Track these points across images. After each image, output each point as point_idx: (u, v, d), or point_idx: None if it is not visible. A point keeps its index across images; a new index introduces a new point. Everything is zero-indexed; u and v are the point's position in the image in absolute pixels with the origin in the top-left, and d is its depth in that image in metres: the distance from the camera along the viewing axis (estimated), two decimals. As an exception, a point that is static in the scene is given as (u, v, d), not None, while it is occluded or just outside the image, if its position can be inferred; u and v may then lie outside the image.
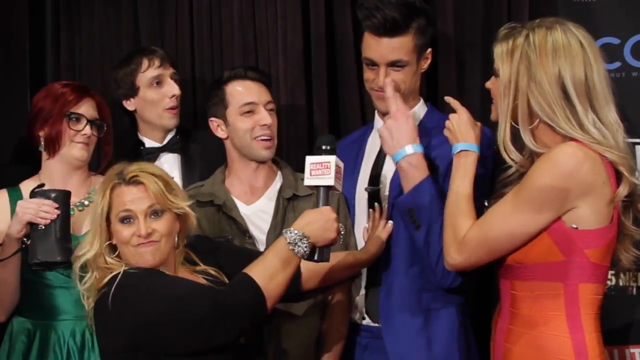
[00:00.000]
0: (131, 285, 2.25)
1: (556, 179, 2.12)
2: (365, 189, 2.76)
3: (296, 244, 2.23)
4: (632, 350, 2.85)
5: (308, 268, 2.48)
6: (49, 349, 2.73)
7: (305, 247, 2.23)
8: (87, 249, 2.35)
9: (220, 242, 2.63)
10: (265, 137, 2.72)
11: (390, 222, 2.66)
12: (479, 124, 2.49)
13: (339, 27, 3.34)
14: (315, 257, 2.28)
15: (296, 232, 2.24)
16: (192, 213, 2.41)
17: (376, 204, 2.70)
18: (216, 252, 2.52)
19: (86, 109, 2.77)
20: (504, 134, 2.25)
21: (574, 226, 2.15)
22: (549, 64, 2.18)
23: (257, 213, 2.77)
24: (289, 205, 2.76)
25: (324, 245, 2.27)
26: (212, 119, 2.80)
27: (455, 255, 2.30)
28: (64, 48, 3.81)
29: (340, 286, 2.75)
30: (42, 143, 2.78)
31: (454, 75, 3.18)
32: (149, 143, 3.16)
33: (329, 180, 2.28)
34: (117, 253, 2.34)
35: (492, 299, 2.64)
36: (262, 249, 2.65)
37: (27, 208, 2.57)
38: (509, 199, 2.22)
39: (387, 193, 2.72)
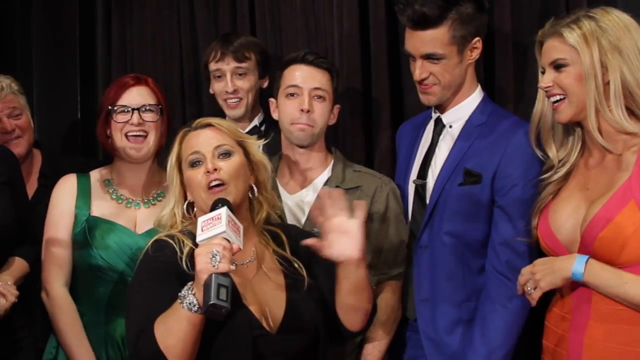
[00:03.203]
0: (137, 270, 2.29)
1: None
2: (414, 182, 2.75)
3: (183, 297, 2.07)
4: None
5: (339, 310, 2.35)
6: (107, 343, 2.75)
7: (191, 299, 2.05)
8: (165, 208, 2.38)
9: (307, 232, 2.57)
10: (302, 122, 2.71)
11: (363, 202, 2.37)
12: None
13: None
14: (204, 310, 2.03)
15: (188, 285, 2.09)
16: (266, 160, 2.41)
17: None
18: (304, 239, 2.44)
19: (131, 97, 2.76)
20: (594, 121, 2.27)
21: None
22: (630, 38, 2.24)
23: (298, 204, 2.77)
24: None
25: (206, 284, 2.03)
26: (271, 99, 2.84)
27: None
28: (114, 36, 3.87)
29: (390, 283, 2.73)
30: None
31: (511, 66, 3.12)
32: None
33: (221, 228, 2.08)
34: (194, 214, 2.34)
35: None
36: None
37: None
38: None
39: (432, 187, 2.70)
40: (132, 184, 2.82)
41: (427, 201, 2.69)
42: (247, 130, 3.16)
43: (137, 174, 2.81)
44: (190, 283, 2.08)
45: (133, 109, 2.73)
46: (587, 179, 2.35)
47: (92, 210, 2.78)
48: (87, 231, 2.74)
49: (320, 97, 2.73)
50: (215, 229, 2.08)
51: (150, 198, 2.81)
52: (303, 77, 2.73)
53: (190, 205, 2.36)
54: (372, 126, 3.28)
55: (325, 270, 2.38)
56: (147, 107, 2.76)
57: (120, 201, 2.80)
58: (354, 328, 2.37)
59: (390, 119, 3.25)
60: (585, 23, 2.27)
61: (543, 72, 2.38)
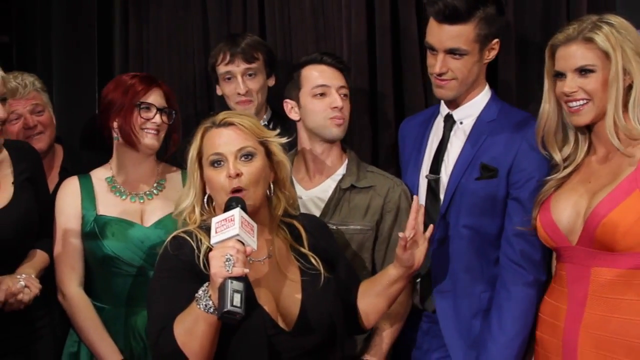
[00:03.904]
0: (156, 268, 2.31)
1: None
2: (426, 177, 2.77)
3: (199, 299, 2.09)
4: None
5: (362, 308, 2.46)
6: (124, 335, 2.79)
7: (207, 300, 2.07)
8: (184, 201, 2.36)
9: (324, 223, 2.62)
10: (338, 117, 2.75)
11: (431, 226, 2.48)
12: None
13: (403, 17, 3.32)
14: (219, 316, 2.04)
15: (204, 286, 2.11)
16: (287, 159, 2.40)
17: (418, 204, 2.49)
18: (326, 239, 2.49)
19: (155, 98, 2.82)
20: (616, 120, 2.31)
21: None
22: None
23: (313, 199, 2.80)
24: (344, 196, 2.77)
25: (221, 288, 2.04)
26: (287, 100, 2.85)
27: None
28: (132, 37, 3.88)
29: None
30: (117, 134, 2.83)
31: (514, 65, 3.17)
32: None
33: (234, 230, 2.08)
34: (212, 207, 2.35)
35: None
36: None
37: None
38: None
39: (446, 182, 2.73)
40: (134, 179, 2.86)
41: (442, 195, 2.72)
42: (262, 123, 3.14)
43: (139, 168, 2.85)
44: (206, 284, 2.09)
45: (158, 109, 2.81)
46: (589, 174, 2.40)
47: (98, 210, 2.81)
48: (96, 230, 2.78)
49: (345, 95, 2.80)
50: (229, 232, 2.07)
51: (153, 189, 2.86)
52: (328, 76, 2.78)
53: (210, 199, 2.35)
54: (377, 123, 3.33)
55: (344, 267, 2.47)
56: (166, 110, 2.83)
57: (124, 197, 2.84)
58: (367, 327, 2.50)
59: (394, 116, 3.29)
60: (606, 29, 2.30)
61: (557, 76, 2.39)
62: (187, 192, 2.37)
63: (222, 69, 3.20)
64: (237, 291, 2.01)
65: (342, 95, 2.78)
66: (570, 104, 2.37)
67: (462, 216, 2.67)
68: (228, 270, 2.01)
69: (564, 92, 2.37)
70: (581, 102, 2.34)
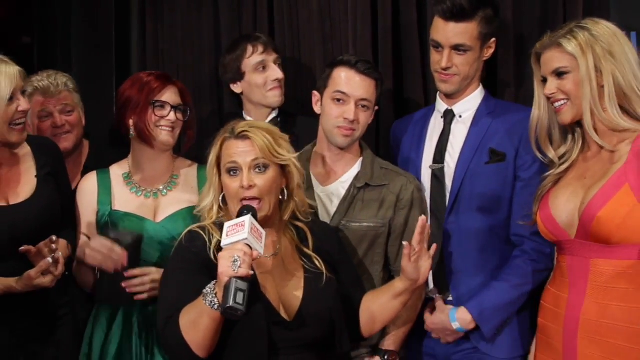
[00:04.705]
0: (171, 259, 2.41)
1: None
2: (430, 167, 2.88)
3: (206, 295, 2.18)
4: None
5: (363, 316, 2.51)
6: (130, 330, 2.83)
7: (213, 297, 2.17)
8: (205, 200, 2.47)
9: (335, 230, 2.69)
10: (346, 128, 2.76)
11: (435, 245, 2.52)
12: None
13: (404, 18, 3.39)
14: (222, 311, 2.15)
15: (211, 284, 2.20)
16: (298, 166, 2.48)
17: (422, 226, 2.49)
18: (331, 240, 2.57)
19: (170, 95, 2.87)
20: (596, 115, 2.41)
21: None
22: (619, 44, 2.39)
23: (328, 195, 2.85)
24: (358, 194, 2.81)
25: (226, 286, 2.14)
26: (315, 92, 2.89)
27: None
28: (148, 37, 3.93)
29: None
30: (132, 130, 2.87)
31: (512, 64, 3.24)
32: None
33: (243, 235, 2.19)
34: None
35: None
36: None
37: (95, 254, 2.70)
38: None
39: (451, 171, 2.85)
40: (149, 175, 2.90)
41: (450, 182, 2.84)
42: (270, 119, 3.24)
43: (154, 164, 2.90)
44: (213, 282, 2.19)
45: (172, 107, 2.86)
46: (584, 170, 2.49)
47: (114, 205, 2.87)
48: (109, 225, 2.84)
49: (364, 106, 2.79)
50: (239, 235, 2.18)
51: (167, 184, 2.89)
52: (352, 86, 2.77)
53: (225, 199, 2.46)
54: (379, 122, 3.37)
55: (349, 274, 2.56)
56: (181, 107, 2.89)
57: (139, 194, 2.89)
58: (366, 335, 2.56)
59: (395, 115, 3.36)
60: (580, 33, 2.41)
61: (543, 81, 2.52)
62: (207, 192, 2.49)
63: (255, 59, 3.24)
64: (241, 290, 2.12)
65: (360, 107, 2.78)
66: (555, 105, 2.48)
67: (475, 199, 2.80)
68: (234, 270, 2.12)
69: (545, 94, 2.50)
70: (562, 101, 2.46)
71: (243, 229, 2.19)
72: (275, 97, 3.24)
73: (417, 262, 2.42)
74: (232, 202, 2.41)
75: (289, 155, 2.44)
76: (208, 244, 2.36)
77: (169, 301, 2.30)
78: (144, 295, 2.74)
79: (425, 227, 2.43)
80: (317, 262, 2.45)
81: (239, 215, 2.27)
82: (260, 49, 3.24)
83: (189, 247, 2.37)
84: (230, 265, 2.13)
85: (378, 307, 2.51)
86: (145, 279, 2.74)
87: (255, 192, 2.37)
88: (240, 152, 2.40)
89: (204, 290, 2.19)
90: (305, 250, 2.46)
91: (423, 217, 2.45)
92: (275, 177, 2.42)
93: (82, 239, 2.85)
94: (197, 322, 2.20)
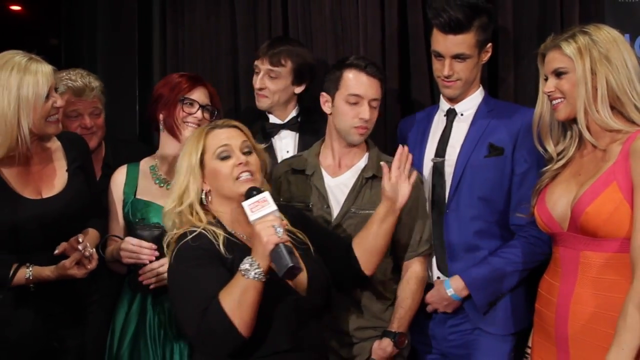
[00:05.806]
0: (178, 261, 2.37)
1: None
2: (432, 160, 3.03)
3: (247, 270, 2.22)
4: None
5: (359, 252, 2.64)
6: (145, 311, 2.96)
7: (257, 269, 2.22)
8: (177, 202, 2.47)
9: (299, 209, 2.77)
10: (362, 127, 2.87)
11: (415, 172, 2.71)
12: None
13: (411, 22, 3.49)
14: (282, 274, 2.22)
15: (247, 259, 2.25)
16: (268, 158, 2.62)
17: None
18: (301, 219, 2.65)
19: (198, 95, 2.98)
20: (590, 114, 2.48)
21: None
22: (617, 50, 2.46)
23: (338, 185, 2.94)
24: (366, 184, 2.91)
25: (275, 252, 2.22)
26: (323, 93, 2.95)
27: None
28: (169, 39, 4.05)
29: (419, 259, 2.92)
30: (161, 124, 2.99)
31: (512, 66, 3.35)
32: (272, 119, 3.35)
33: (272, 207, 2.29)
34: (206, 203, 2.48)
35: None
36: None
37: (129, 254, 2.82)
38: None
39: (452, 164, 2.97)
40: (174, 168, 2.76)
41: (451, 174, 2.96)
42: (290, 117, 3.34)
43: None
44: (248, 257, 2.24)
45: (200, 105, 2.98)
46: (580, 167, 2.57)
47: (137, 194, 2.99)
48: (130, 212, 2.96)
49: (375, 106, 2.90)
50: (267, 209, 2.28)
51: None
52: (365, 88, 2.85)
53: (201, 201, 2.48)
54: (386, 121, 3.48)
55: (320, 228, 2.73)
56: (209, 107, 3.00)
57: (162, 185, 2.99)
58: (367, 272, 2.68)
59: (401, 113, 3.51)
60: (580, 37, 2.48)
61: (546, 79, 2.59)
62: (179, 195, 2.48)
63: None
64: (290, 251, 2.23)
65: (372, 107, 2.88)
66: (552, 102, 2.58)
67: (476, 189, 2.94)
68: (280, 236, 2.22)
69: (544, 92, 2.60)
70: (558, 99, 2.55)
71: (267, 203, 2.28)
72: (258, 102, 3.31)
73: (396, 184, 2.63)
74: (226, 185, 2.45)
75: (260, 146, 2.58)
76: (215, 240, 2.39)
77: (196, 296, 2.29)
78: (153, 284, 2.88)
79: (404, 154, 2.66)
80: (300, 236, 2.51)
81: (249, 195, 2.34)
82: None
83: (198, 245, 2.38)
84: (273, 232, 2.21)
85: (370, 238, 2.67)
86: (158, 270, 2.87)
87: (250, 167, 2.45)
88: (229, 136, 2.50)
89: (242, 267, 2.23)
90: (289, 227, 2.46)
91: (401, 146, 2.67)
92: (259, 159, 2.53)
93: (114, 240, 2.97)
94: (242, 299, 2.22)
